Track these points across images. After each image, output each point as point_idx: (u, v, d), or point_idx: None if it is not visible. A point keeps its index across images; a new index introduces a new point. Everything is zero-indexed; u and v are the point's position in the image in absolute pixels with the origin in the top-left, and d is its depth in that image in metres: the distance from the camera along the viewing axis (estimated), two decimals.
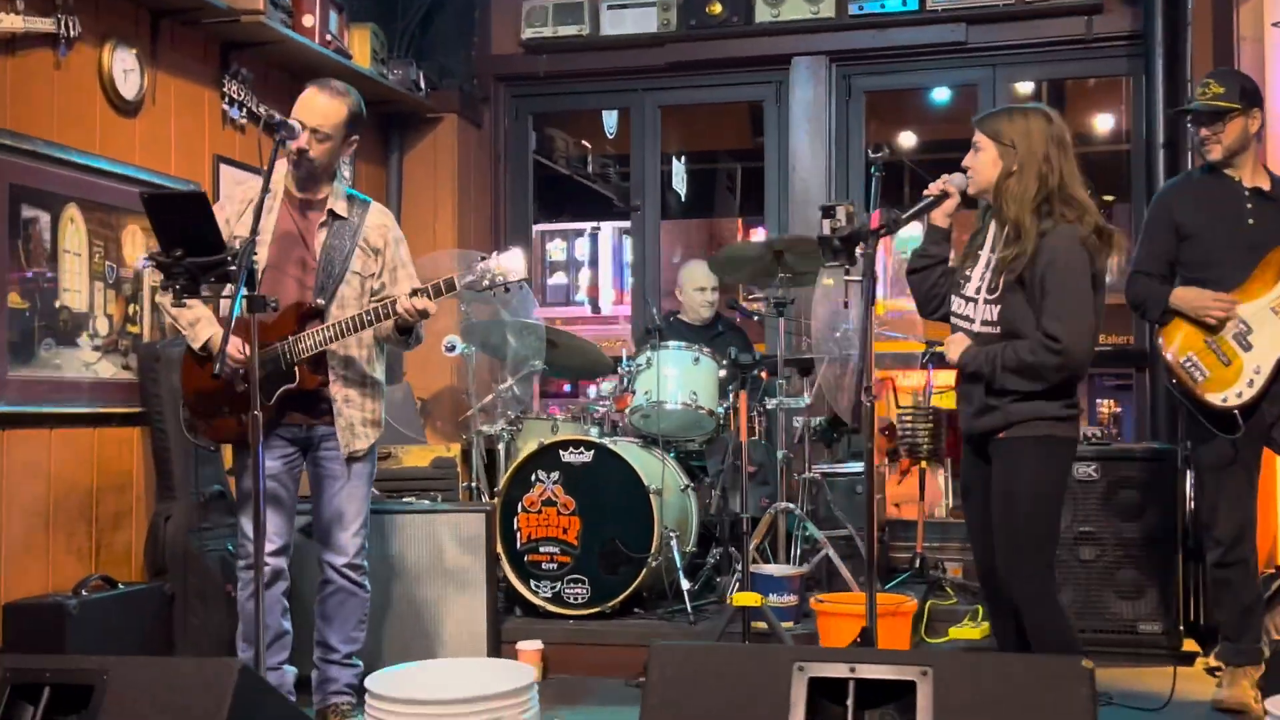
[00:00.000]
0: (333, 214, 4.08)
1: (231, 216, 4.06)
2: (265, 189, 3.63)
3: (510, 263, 3.89)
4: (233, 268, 3.33)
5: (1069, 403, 3.52)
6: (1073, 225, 3.46)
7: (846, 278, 3.06)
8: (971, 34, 6.58)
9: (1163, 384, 5.97)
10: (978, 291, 3.53)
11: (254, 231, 3.44)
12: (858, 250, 3.02)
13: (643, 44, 6.95)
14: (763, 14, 6.71)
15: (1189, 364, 4.34)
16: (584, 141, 9.62)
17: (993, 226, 3.52)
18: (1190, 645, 5.24)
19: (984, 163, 3.57)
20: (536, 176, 7.82)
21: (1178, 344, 4.37)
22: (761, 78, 7.00)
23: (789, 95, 6.85)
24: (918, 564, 6.19)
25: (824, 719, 2.44)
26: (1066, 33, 6.50)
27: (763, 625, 4.69)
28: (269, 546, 3.94)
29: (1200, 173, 4.60)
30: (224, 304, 3.96)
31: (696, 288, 6.18)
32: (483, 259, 3.94)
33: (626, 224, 21.82)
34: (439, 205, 6.88)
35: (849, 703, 2.42)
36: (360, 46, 6.11)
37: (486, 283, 3.91)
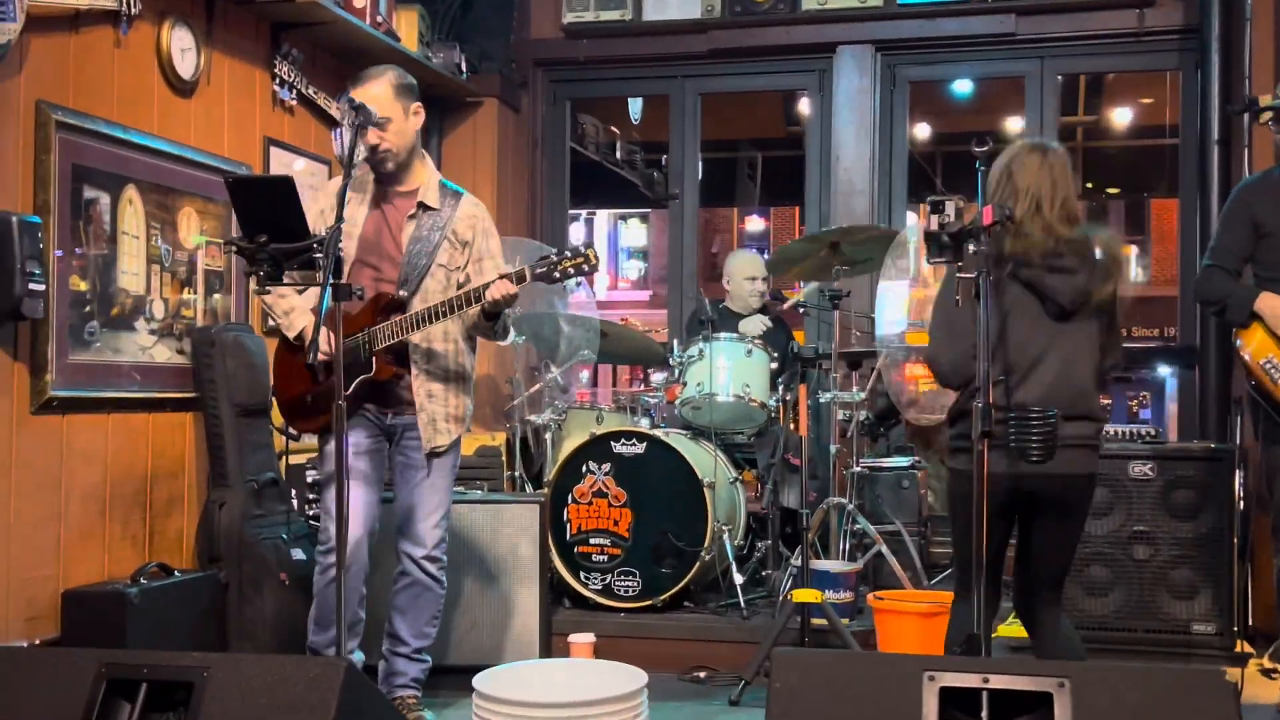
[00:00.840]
0: (423, 205, 4.05)
1: (326, 209, 3.99)
2: (347, 177, 3.55)
3: (581, 258, 3.85)
4: (318, 255, 3.26)
5: (953, 433, 3.57)
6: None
7: (960, 275, 2.98)
8: (1020, 25, 6.51)
9: (1213, 383, 5.95)
10: None
11: (339, 219, 3.35)
12: (969, 247, 2.95)
13: (685, 30, 6.87)
14: (809, 1, 6.63)
15: (1269, 365, 4.29)
16: (612, 128, 9.53)
17: None
18: (1243, 647, 5.20)
19: None
20: (572, 163, 7.73)
21: (1257, 345, 4.32)
22: (805, 66, 6.91)
23: (833, 84, 6.77)
24: None
25: None
26: (1117, 26, 6.43)
27: (822, 622, 4.63)
28: (351, 525, 3.81)
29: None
30: (310, 291, 3.94)
31: (747, 277, 6.11)
32: (557, 254, 3.88)
33: (623, 210, 21.73)
34: (478, 188, 6.75)
35: (984, 715, 2.37)
36: (408, 28, 6.03)
37: (557, 274, 3.86)
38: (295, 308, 4.00)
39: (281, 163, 5.40)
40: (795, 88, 7.07)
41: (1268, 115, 4.46)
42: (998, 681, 2.39)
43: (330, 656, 2.60)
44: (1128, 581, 5.27)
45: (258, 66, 5.27)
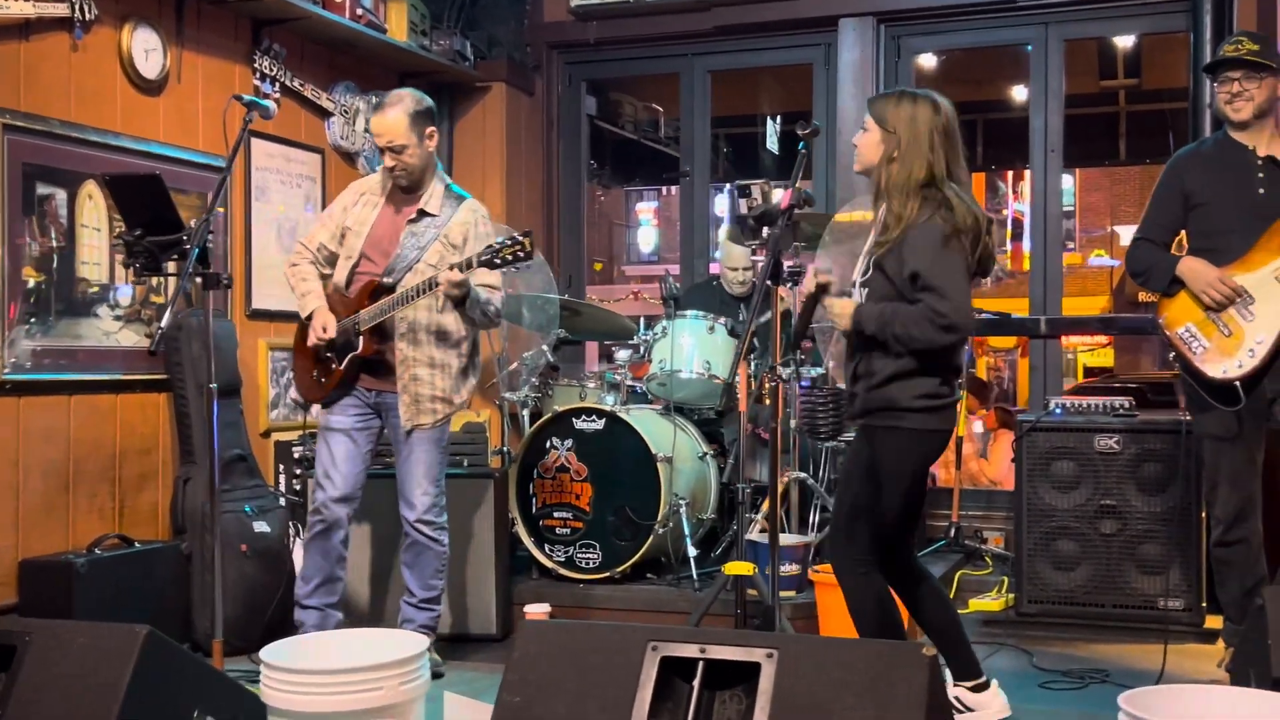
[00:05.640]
0: (422, 212, 4.47)
1: (349, 205, 4.57)
2: (229, 168, 3.82)
3: (519, 245, 4.19)
4: (188, 246, 3.49)
5: (926, 394, 3.51)
6: (938, 219, 3.44)
7: (753, 257, 3.04)
8: None
9: None
10: (861, 275, 3.53)
11: (209, 211, 3.58)
12: (765, 230, 3.00)
13: (689, 8, 6.93)
14: None
15: (1187, 334, 4.22)
16: (654, 105, 9.60)
17: (881, 211, 3.51)
18: (1214, 622, 5.09)
19: (868, 143, 3.59)
20: (609, 142, 7.82)
21: (1175, 313, 4.25)
22: (809, 40, 6.91)
23: (837, 58, 6.76)
24: (953, 533, 6.15)
25: (674, 697, 2.48)
26: None
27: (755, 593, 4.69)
28: (333, 493, 4.44)
29: (1213, 140, 4.44)
30: (337, 273, 4.55)
31: (731, 267, 6.14)
32: (498, 243, 4.23)
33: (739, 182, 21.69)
34: (487, 172, 6.98)
35: (695, 683, 2.45)
36: (397, 19, 6.21)
37: (498, 261, 4.23)
38: (310, 291, 4.51)
39: (265, 153, 5.65)
40: (802, 62, 7.04)
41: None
42: (714, 652, 2.47)
43: (135, 625, 2.78)
44: (1095, 556, 5.23)
45: (237, 62, 5.52)
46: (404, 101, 4.39)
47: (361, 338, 4.40)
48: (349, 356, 4.43)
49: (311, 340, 4.42)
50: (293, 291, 4.57)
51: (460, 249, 4.44)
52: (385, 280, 4.41)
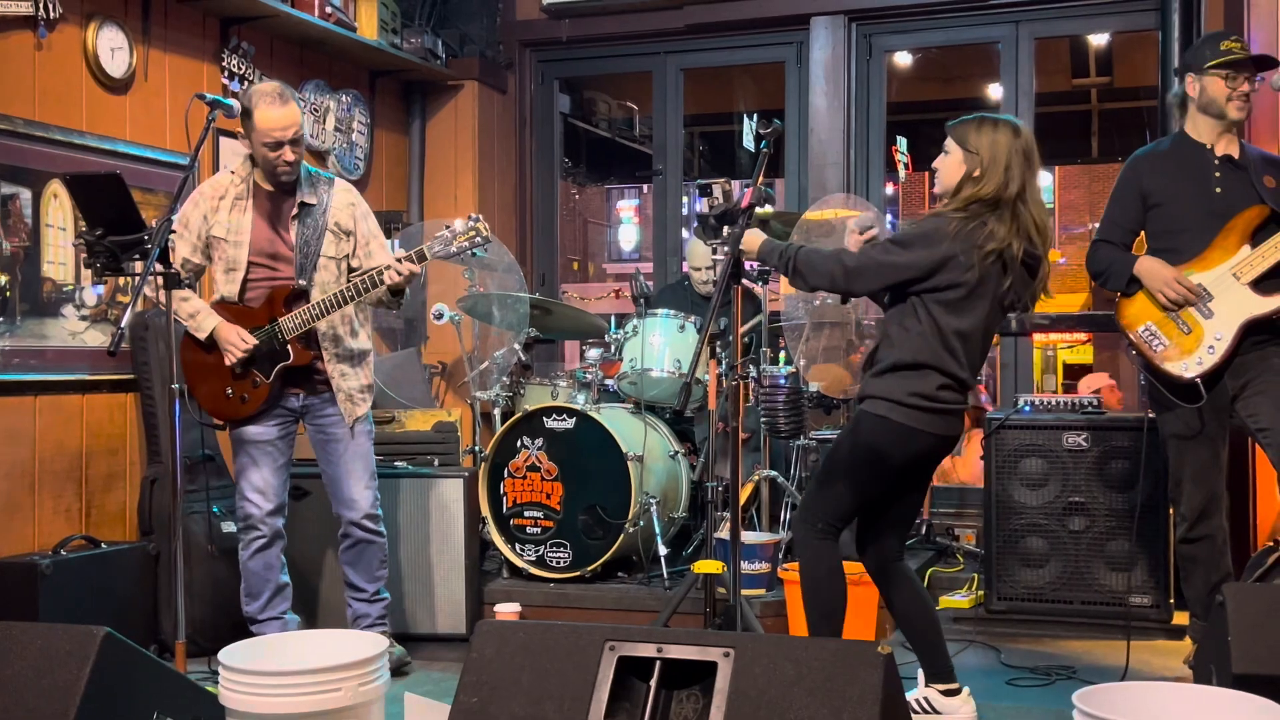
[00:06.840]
0: (303, 205, 4.37)
1: (209, 213, 4.37)
2: (191, 167, 3.80)
3: (469, 229, 4.20)
4: (148, 245, 3.47)
5: (917, 392, 3.55)
6: (952, 220, 3.50)
7: (714, 257, 3.05)
8: None
9: None
10: None
11: (171, 211, 3.57)
12: (725, 229, 3.01)
13: (662, 7, 6.94)
14: None
15: (1147, 333, 4.23)
16: (629, 103, 9.59)
17: None
18: (1181, 618, 5.12)
19: (948, 166, 3.64)
20: (584, 140, 7.80)
21: (1135, 312, 4.26)
22: (782, 38, 6.93)
23: (808, 55, 6.76)
24: (924, 530, 6.16)
25: (631, 698, 2.48)
26: None
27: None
28: (268, 507, 4.39)
29: (1170, 140, 4.45)
30: (221, 286, 4.40)
31: (694, 267, 6.16)
32: (447, 227, 4.24)
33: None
34: (459, 171, 6.97)
35: (652, 682, 2.45)
36: (368, 17, 6.19)
37: (454, 249, 4.22)
38: (199, 310, 4.33)
39: (234, 151, 5.61)
40: (774, 60, 7.05)
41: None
42: (671, 651, 2.47)
43: (93, 627, 2.77)
44: (1063, 553, 5.24)
45: (205, 60, 5.49)
46: (287, 91, 4.27)
47: (290, 346, 4.30)
48: (279, 367, 4.32)
49: (233, 358, 4.26)
50: (177, 316, 4.23)
51: (353, 233, 4.42)
52: (300, 283, 4.32)
